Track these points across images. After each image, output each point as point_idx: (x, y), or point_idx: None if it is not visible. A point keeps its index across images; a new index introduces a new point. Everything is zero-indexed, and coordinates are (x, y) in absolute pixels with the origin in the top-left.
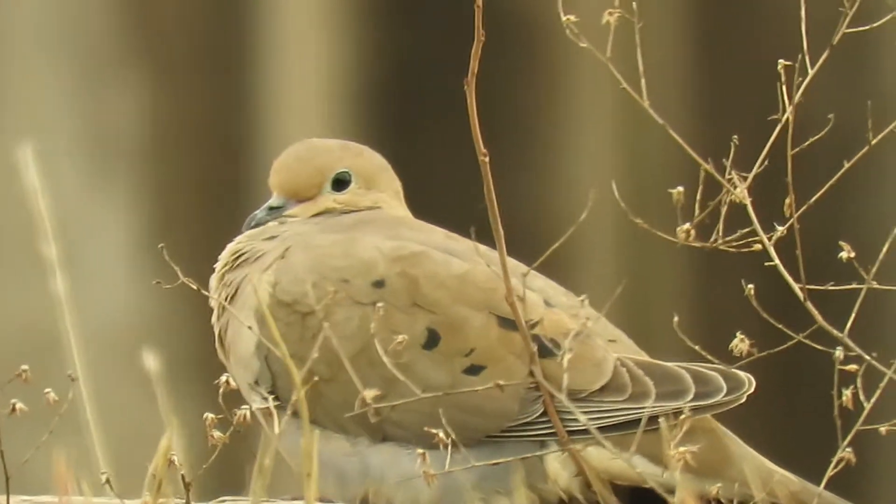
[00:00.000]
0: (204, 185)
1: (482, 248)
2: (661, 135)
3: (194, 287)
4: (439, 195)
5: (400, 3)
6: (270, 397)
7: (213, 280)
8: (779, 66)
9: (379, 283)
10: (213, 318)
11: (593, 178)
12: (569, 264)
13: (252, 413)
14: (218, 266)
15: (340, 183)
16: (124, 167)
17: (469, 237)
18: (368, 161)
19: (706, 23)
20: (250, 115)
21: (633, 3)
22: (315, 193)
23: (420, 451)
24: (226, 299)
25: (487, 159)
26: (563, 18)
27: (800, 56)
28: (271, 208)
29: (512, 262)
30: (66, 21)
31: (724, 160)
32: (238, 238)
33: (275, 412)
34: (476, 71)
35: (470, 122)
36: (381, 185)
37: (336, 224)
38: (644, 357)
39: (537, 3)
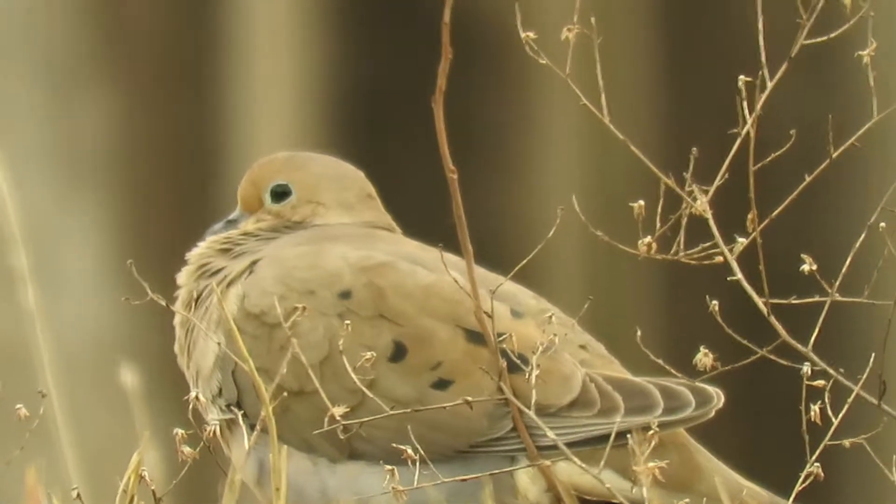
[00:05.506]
0: (174, 196)
1: (453, 258)
2: (629, 149)
3: (163, 303)
4: (409, 205)
5: (368, 12)
6: (240, 413)
7: (183, 277)
8: (739, 82)
9: (345, 294)
10: (176, 321)
11: (562, 191)
12: (537, 278)
13: (220, 429)
14: (187, 271)
15: (280, 195)
16: (94, 179)
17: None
18: (310, 173)
19: (672, 38)
20: (220, 126)
21: (592, 20)
22: (258, 206)
23: (388, 467)
24: (192, 309)
25: (455, 176)
26: (523, 35)
27: (759, 73)
28: (228, 221)
29: (481, 271)
30: (34, 32)
31: (687, 174)
32: (199, 246)
33: (243, 427)
34: (444, 88)
35: (438, 139)
36: (321, 197)
37: (304, 237)
38: (615, 363)
39: (506, 16)
